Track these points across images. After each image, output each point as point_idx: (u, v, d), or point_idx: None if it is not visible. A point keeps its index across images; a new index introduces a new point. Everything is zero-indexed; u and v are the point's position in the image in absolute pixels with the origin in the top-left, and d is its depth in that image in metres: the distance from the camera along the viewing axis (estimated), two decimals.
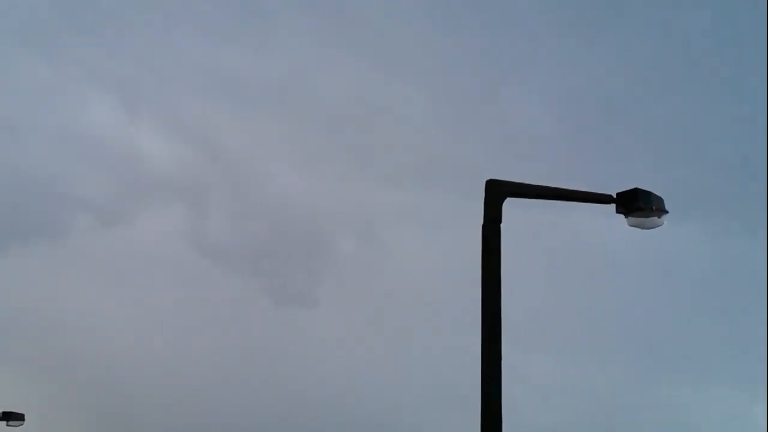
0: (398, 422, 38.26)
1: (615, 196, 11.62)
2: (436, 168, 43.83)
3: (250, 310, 42.55)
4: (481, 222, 11.12)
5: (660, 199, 11.61)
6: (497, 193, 11.14)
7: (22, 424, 27.88)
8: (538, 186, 11.57)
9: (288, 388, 39.56)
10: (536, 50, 44.56)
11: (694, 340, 39.68)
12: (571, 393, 38.21)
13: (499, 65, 44.58)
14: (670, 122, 43.70)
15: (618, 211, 11.61)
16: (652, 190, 11.66)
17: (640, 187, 11.63)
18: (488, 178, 11.21)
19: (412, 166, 44.45)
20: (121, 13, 44.71)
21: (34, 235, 42.90)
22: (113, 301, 42.72)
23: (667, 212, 11.63)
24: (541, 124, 43.42)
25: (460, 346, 36.62)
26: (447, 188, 41.29)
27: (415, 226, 43.42)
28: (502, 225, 11.09)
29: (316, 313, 42.26)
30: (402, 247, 42.91)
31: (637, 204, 11.49)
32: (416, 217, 43.29)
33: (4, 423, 27.68)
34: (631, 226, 11.73)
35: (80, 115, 44.58)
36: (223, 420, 38.70)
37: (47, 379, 39.66)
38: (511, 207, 11.20)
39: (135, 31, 45.03)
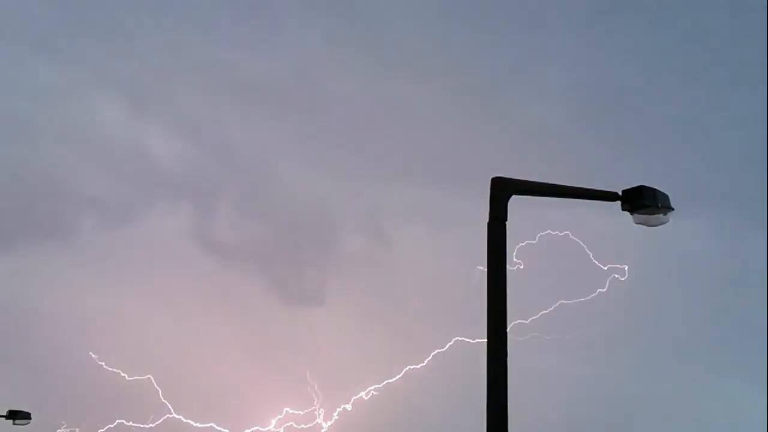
0: (403, 420, 38.29)
1: (620, 194, 11.58)
2: (444, 166, 43.86)
3: (258, 308, 42.61)
4: (487, 220, 11.10)
5: (666, 197, 11.53)
6: (502, 191, 11.10)
7: (28, 423, 27.97)
8: (543, 184, 11.52)
9: (293, 386, 39.61)
10: (544, 48, 44.57)
11: (700, 335, 39.69)
12: (577, 389, 38.20)
13: (506, 63, 44.59)
14: (678, 117, 43.73)
15: (623, 209, 11.56)
16: (661, 186, 11.59)
17: (648, 183, 11.57)
18: (496, 175, 11.18)
19: (420, 164, 44.48)
20: (129, 14, 44.83)
21: (42, 233, 43.03)
22: (121, 299, 42.81)
23: (672, 209, 11.56)
24: (550, 121, 43.43)
25: (465, 343, 36.64)
26: (454, 186, 41.28)
27: (422, 224, 43.43)
28: (507, 222, 11.06)
29: (322, 311, 42.33)
30: (409, 245, 42.91)
31: (643, 201, 11.44)
32: (423, 215, 43.30)
33: (11, 421, 27.78)
34: (637, 223, 11.67)
35: (88, 114, 44.72)
36: (230, 416, 38.78)
37: (54, 378, 39.74)
38: (516, 204, 11.17)
39: (143, 32, 45.15)
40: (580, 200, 11.70)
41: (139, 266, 43.85)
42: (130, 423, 39.43)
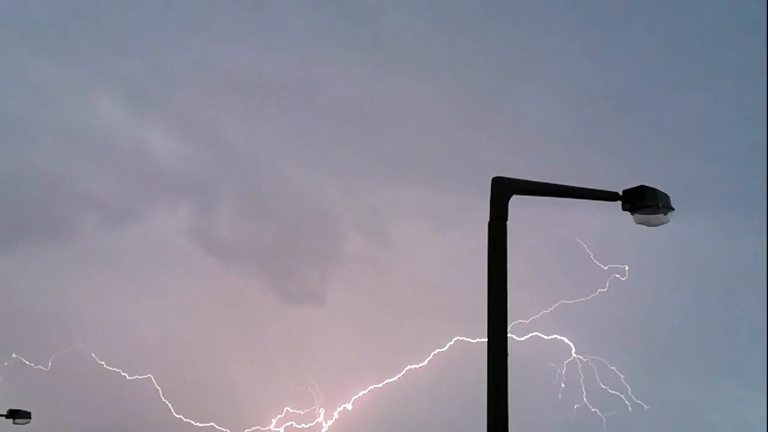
0: (403, 420, 38.30)
1: (621, 194, 11.57)
2: (444, 166, 43.85)
3: (258, 308, 42.62)
4: (488, 219, 11.09)
5: (666, 197, 11.51)
6: (503, 190, 11.09)
7: (28, 422, 27.96)
8: (543, 183, 11.50)
9: (294, 385, 39.62)
10: (546, 48, 44.58)
11: (700, 335, 39.70)
12: (577, 389, 38.18)
13: (507, 63, 44.58)
14: (678, 117, 43.75)
15: (624, 209, 11.54)
16: (661, 186, 11.57)
17: (648, 183, 11.56)
18: (496, 175, 11.18)
19: (420, 164, 44.46)
20: (129, 12, 44.82)
21: (43, 233, 43.04)
22: (122, 298, 42.84)
23: (672, 209, 11.55)
24: (550, 121, 43.43)
25: (465, 343, 36.64)
26: (455, 186, 41.29)
27: (422, 224, 43.43)
28: (508, 222, 11.05)
29: (323, 311, 42.34)
30: (409, 245, 42.91)
31: (643, 201, 11.43)
32: (423, 215, 43.31)
33: (11, 421, 27.77)
34: (637, 223, 11.66)
35: (88, 114, 44.69)
36: (230, 415, 38.79)
37: (54, 378, 39.73)
38: (517, 204, 11.16)
39: (142, 30, 45.12)
40: (580, 200, 11.69)
41: (140, 266, 43.89)
42: (130, 422, 39.47)
